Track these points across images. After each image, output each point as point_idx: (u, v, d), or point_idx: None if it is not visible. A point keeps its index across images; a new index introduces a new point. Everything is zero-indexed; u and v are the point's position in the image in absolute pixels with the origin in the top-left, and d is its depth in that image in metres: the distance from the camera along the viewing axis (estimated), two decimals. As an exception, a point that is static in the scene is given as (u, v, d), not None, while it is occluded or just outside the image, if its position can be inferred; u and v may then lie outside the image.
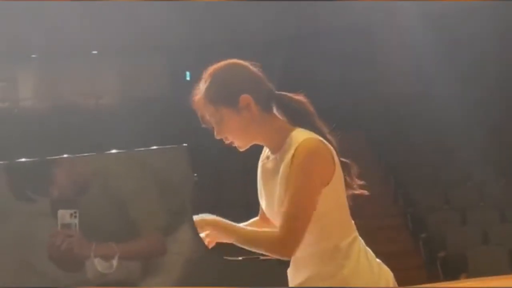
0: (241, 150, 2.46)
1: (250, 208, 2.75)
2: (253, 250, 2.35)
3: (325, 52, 12.46)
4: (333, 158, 2.35)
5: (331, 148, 2.37)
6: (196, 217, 2.34)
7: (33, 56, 13.10)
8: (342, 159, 2.42)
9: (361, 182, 2.49)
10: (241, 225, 2.58)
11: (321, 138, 2.35)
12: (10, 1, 11.15)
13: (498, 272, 6.94)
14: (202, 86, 2.40)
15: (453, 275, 8.14)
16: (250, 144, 2.45)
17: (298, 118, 2.42)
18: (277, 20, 12.59)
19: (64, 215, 2.22)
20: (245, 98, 2.36)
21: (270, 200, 2.43)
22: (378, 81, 13.02)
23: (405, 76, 13.13)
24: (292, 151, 2.32)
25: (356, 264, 2.37)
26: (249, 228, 2.47)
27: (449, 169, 10.84)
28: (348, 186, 2.45)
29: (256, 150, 2.62)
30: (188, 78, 13.38)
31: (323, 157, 2.32)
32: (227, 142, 2.43)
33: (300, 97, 2.46)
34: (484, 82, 12.48)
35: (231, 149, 2.50)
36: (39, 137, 10.31)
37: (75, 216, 2.22)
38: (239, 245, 2.36)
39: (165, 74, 13.31)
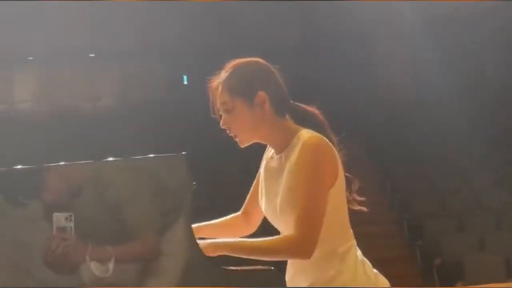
0: (241, 146, 2.44)
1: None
2: (268, 259, 2.30)
3: (325, 58, 12.44)
4: (337, 160, 2.35)
5: (335, 150, 2.37)
6: (202, 243, 2.29)
7: (30, 58, 13.06)
8: (345, 174, 2.41)
9: (361, 199, 2.48)
10: (219, 220, 2.62)
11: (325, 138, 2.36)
12: (7, 1, 11.14)
13: (494, 280, 6.95)
14: (223, 74, 2.42)
15: (449, 283, 8.15)
16: (252, 142, 2.44)
17: (309, 127, 2.41)
18: (276, 27, 12.58)
19: (60, 218, 2.20)
20: (262, 95, 2.37)
21: (272, 198, 2.41)
22: (377, 88, 12.99)
23: (404, 83, 13.11)
24: (298, 148, 2.32)
25: (354, 270, 2.36)
26: (257, 239, 2.36)
27: (446, 176, 10.83)
28: (347, 201, 2.43)
29: (254, 152, 2.60)
30: (185, 82, 13.35)
31: (330, 154, 2.33)
32: (230, 134, 2.42)
33: (313, 109, 2.48)
34: (484, 90, 12.48)
35: (229, 150, 2.48)
36: (35, 140, 10.27)
37: (71, 220, 2.19)
38: (252, 257, 2.30)
39: (163, 77, 13.27)
